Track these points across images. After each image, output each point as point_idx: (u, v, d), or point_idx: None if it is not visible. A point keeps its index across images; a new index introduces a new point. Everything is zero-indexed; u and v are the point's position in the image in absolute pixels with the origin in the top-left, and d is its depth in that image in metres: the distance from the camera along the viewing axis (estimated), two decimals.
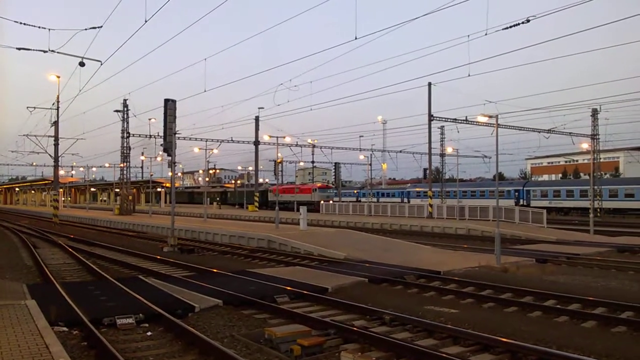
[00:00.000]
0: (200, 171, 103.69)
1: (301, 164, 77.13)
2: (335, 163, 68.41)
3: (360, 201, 69.23)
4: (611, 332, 9.38)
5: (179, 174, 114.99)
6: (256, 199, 61.55)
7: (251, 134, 59.66)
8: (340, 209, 52.35)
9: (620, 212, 50.70)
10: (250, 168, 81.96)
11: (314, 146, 65.46)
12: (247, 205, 65.45)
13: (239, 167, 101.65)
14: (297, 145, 59.96)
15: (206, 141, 53.65)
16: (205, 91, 34.30)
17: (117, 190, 61.83)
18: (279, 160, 58.12)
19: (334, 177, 68.52)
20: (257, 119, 58.64)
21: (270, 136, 46.23)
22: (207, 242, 27.19)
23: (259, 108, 58.16)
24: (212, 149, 52.91)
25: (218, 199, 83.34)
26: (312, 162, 76.41)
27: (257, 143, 59.36)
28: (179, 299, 11.09)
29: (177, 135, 25.89)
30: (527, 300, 11.84)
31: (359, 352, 7.59)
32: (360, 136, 73.27)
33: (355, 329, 8.82)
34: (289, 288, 12.39)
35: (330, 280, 13.72)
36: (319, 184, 74.45)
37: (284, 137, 46.12)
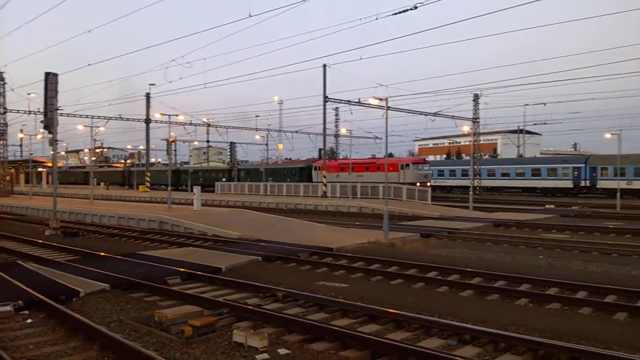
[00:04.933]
0: (86, 150, 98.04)
1: (195, 143, 75.39)
2: (231, 142, 67.42)
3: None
4: (486, 300, 10.22)
5: (62, 153, 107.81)
6: (147, 178, 59.28)
7: (142, 112, 57.14)
8: (236, 189, 51.94)
9: (497, 190, 54.80)
10: (141, 147, 78.75)
11: (209, 125, 64.05)
12: (137, 185, 62.91)
13: (129, 146, 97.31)
14: (191, 124, 58.27)
15: (92, 118, 50.80)
16: (89, 65, 32.49)
17: None
18: (171, 139, 56.26)
19: (229, 156, 67.42)
20: (147, 95, 56.37)
21: (162, 114, 44.56)
22: (94, 225, 25.88)
23: (150, 84, 55.99)
24: (98, 127, 50.13)
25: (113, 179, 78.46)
26: (207, 141, 74.97)
27: (148, 121, 57.08)
28: (62, 284, 10.56)
29: (59, 112, 24.26)
30: (411, 273, 12.56)
31: (251, 329, 7.69)
32: (256, 116, 72.99)
33: (248, 307, 8.91)
34: (181, 269, 12.20)
35: (224, 260, 13.68)
36: (410, 158, 55.79)
37: (177, 115, 44.57)
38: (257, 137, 70.79)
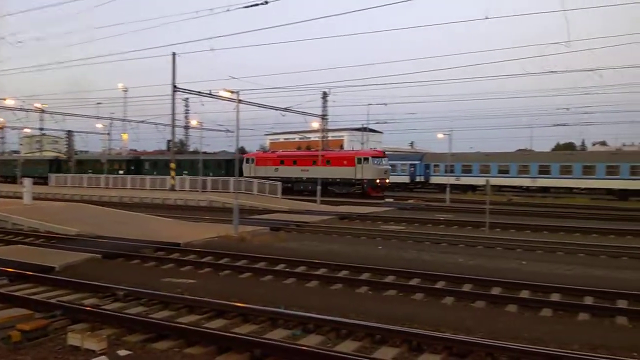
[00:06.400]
0: None
1: (27, 130, 68.53)
2: (68, 131, 62.24)
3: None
4: (331, 289, 10.69)
5: None
6: None
7: None
8: (74, 181, 48.24)
9: None
10: None
11: (42, 111, 58.53)
12: None
13: None
14: (22, 109, 52.82)
15: None
16: None
17: None
18: None
19: (66, 146, 62.13)
20: None
21: None
22: None
23: None
24: None
25: None
26: (41, 129, 68.46)
27: None
28: None
29: None
30: (260, 266, 12.71)
31: (88, 331, 7.24)
32: (98, 103, 68.09)
33: (85, 307, 8.37)
34: (8, 269, 11.08)
35: (58, 258, 12.66)
36: (369, 151, 45.78)
37: (5, 99, 39.97)
38: (99, 125, 66.29)
